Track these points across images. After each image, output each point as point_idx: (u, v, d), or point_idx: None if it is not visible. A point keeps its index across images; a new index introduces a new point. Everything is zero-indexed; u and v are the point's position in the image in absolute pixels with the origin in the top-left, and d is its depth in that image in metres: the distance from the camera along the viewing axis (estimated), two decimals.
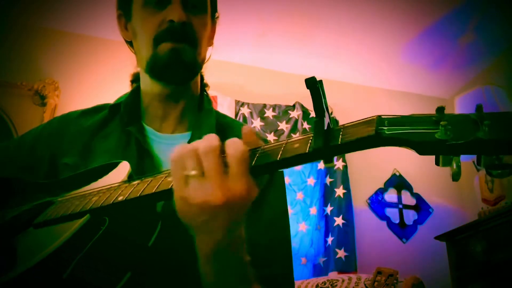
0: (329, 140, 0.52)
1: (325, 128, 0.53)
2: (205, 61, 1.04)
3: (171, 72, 0.93)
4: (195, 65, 0.96)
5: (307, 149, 0.53)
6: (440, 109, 0.45)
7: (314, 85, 0.52)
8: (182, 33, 0.91)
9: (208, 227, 0.59)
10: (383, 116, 0.49)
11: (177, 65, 0.92)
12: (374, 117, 0.50)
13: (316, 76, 0.51)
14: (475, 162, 0.43)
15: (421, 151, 0.45)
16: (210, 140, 0.59)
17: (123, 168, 0.78)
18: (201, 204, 0.57)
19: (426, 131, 0.45)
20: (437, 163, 0.45)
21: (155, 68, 0.94)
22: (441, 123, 0.43)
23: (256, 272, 0.83)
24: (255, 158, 0.58)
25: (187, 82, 0.99)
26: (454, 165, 0.44)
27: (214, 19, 1.06)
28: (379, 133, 0.47)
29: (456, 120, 0.44)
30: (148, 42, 0.93)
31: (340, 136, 0.51)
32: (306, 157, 0.53)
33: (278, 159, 0.55)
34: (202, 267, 0.65)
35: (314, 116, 0.52)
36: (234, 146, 0.58)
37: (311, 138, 0.54)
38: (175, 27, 0.90)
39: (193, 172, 0.58)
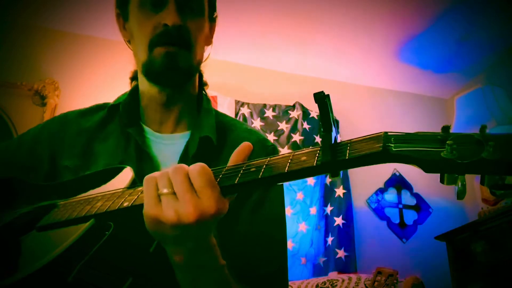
0: (336, 154, 0.52)
1: (332, 142, 0.54)
2: (204, 60, 1.05)
3: (166, 76, 0.94)
4: (191, 69, 0.97)
5: (315, 162, 0.53)
6: (446, 128, 0.45)
7: (323, 100, 0.53)
8: (176, 37, 0.91)
9: (179, 240, 0.61)
10: (389, 133, 0.50)
11: (172, 70, 0.93)
12: (381, 134, 0.50)
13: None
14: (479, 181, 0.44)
15: (427, 169, 0.46)
16: (179, 164, 0.62)
17: (126, 174, 0.79)
18: (173, 222, 0.59)
19: (432, 149, 0.45)
20: (442, 181, 0.46)
21: (150, 72, 0.95)
22: (447, 142, 0.44)
23: (252, 270, 0.84)
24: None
25: (183, 86, 1.00)
26: (459, 184, 0.44)
27: (212, 20, 1.06)
28: (386, 150, 0.48)
29: (461, 139, 0.45)
30: (143, 46, 0.94)
31: (348, 151, 0.52)
32: (313, 170, 0.54)
33: (285, 171, 0.56)
34: (177, 276, 0.67)
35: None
36: (198, 166, 0.61)
37: (318, 151, 0.55)
38: (169, 31, 0.90)
39: (165, 191, 0.60)
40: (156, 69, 0.93)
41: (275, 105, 3.37)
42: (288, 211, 3.11)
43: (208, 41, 1.06)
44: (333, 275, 2.76)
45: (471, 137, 0.44)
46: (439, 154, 0.44)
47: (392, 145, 0.48)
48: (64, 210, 0.74)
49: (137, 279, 0.69)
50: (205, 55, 1.05)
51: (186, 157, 0.93)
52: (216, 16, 1.07)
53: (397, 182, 3.44)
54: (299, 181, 3.23)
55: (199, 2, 0.96)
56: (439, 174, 0.47)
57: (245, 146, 0.65)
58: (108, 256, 0.67)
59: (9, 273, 0.65)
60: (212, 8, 1.04)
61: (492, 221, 2.43)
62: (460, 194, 0.44)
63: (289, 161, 0.56)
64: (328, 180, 3.23)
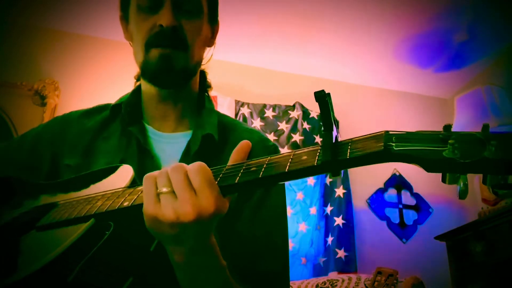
0: (337, 153, 0.52)
1: (333, 141, 0.53)
2: (206, 61, 1.05)
3: (162, 77, 0.94)
4: (187, 70, 0.96)
5: (316, 161, 0.53)
6: (447, 127, 0.45)
7: (323, 99, 0.53)
8: (171, 38, 0.91)
9: (178, 239, 0.61)
10: (390, 132, 0.49)
11: (167, 71, 0.93)
12: (382, 133, 0.50)
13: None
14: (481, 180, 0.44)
15: (428, 169, 0.45)
16: (179, 163, 0.62)
17: (126, 173, 0.79)
18: (172, 220, 0.58)
19: (434, 148, 0.45)
20: (443, 181, 0.46)
21: (146, 73, 0.95)
22: (449, 141, 0.44)
23: (254, 269, 0.84)
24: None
25: (181, 87, 1.00)
26: (461, 184, 0.44)
27: (214, 22, 1.05)
28: (387, 149, 0.48)
29: (463, 138, 0.44)
30: (140, 46, 0.94)
31: (349, 150, 0.51)
32: (314, 170, 0.54)
33: (286, 171, 0.55)
34: (178, 275, 0.67)
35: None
36: (197, 165, 0.61)
37: (319, 150, 0.55)
38: (164, 31, 0.91)
39: (164, 189, 0.60)
40: (151, 71, 0.93)
41: (275, 105, 3.36)
42: (288, 211, 3.11)
43: (209, 43, 1.05)
44: (333, 275, 2.76)
45: (473, 136, 0.44)
46: (441, 154, 0.44)
47: (393, 144, 0.47)
48: (64, 210, 0.74)
49: (137, 279, 0.69)
50: (207, 56, 1.05)
51: (188, 155, 0.93)
52: (218, 20, 1.07)
53: (397, 182, 3.43)
54: (299, 181, 3.22)
55: (196, 4, 0.96)
56: (439, 174, 0.46)
57: (244, 145, 0.65)
58: (108, 256, 0.66)
59: (9, 273, 0.65)
60: (213, 10, 1.04)
61: (492, 221, 2.43)
62: (462, 194, 0.44)
63: (290, 160, 0.56)
64: (328, 180, 3.23)
